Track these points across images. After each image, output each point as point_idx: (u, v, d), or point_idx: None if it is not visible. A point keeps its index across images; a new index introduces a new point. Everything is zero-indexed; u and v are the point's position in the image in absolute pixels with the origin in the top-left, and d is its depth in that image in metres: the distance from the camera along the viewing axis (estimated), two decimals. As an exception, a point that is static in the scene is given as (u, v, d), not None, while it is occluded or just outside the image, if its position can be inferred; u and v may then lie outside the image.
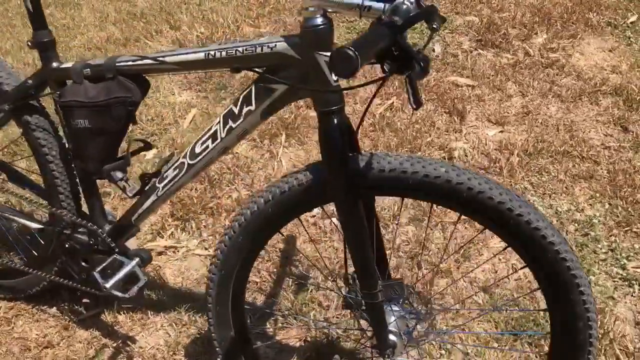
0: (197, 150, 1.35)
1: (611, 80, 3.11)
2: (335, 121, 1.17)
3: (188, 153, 1.37)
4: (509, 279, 1.96)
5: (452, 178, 1.16)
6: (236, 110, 1.27)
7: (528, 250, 1.19)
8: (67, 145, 1.48)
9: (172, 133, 2.64)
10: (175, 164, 1.40)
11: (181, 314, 1.81)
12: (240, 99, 1.26)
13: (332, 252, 2.08)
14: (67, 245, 1.58)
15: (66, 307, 1.85)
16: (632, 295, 1.93)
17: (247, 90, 1.25)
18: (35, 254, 1.78)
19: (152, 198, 1.46)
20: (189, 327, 1.79)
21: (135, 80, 1.35)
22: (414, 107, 0.92)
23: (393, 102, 2.91)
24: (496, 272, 2.01)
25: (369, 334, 1.38)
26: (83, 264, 1.58)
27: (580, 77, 3.17)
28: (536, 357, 1.72)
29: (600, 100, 2.99)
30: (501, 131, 2.76)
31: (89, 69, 1.37)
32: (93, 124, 1.38)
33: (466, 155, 2.58)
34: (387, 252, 1.43)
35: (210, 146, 1.33)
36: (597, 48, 3.41)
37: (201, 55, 1.24)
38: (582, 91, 3.07)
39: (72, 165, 1.58)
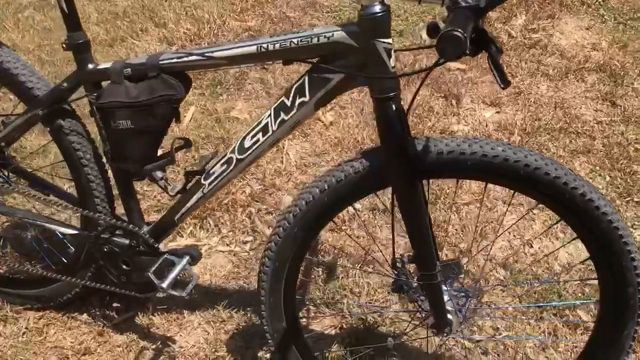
0: (247, 144, 1.35)
1: (593, 57, 3.21)
2: (394, 107, 1.19)
3: (236, 148, 1.36)
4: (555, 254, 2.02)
5: (509, 156, 1.20)
6: (288, 102, 1.28)
7: (583, 222, 1.23)
8: (105, 148, 1.45)
9: (175, 132, 2.61)
10: (222, 160, 1.39)
11: (219, 311, 1.81)
12: (293, 91, 1.27)
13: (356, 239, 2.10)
14: (105, 249, 1.56)
15: (97, 312, 1.82)
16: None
17: (300, 81, 1.25)
18: (65, 260, 1.75)
19: (198, 195, 1.45)
20: (227, 324, 1.79)
21: (178, 77, 1.34)
22: (502, 86, 0.95)
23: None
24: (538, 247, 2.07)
25: (424, 314, 1.40)
26: (124, 266, 1.56)
27: (563, 55, 3.26)
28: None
29: (586, 77, 3.09)
30: (497, 112, 2.82)
31: (129, 69, 1.35)
32: (136, 124, 1.36)
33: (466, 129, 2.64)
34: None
35: (261, 139, 1.33)
36: (575, 27, 3.50)
37: (253, 48, 1.24)
38: (567, 69, 3.16)
39: (105, 167, 1.55)
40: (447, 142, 1.22)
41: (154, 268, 1.43)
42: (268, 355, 1.71)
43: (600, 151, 2.61)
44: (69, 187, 2.10)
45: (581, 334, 1.75)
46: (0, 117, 1.68)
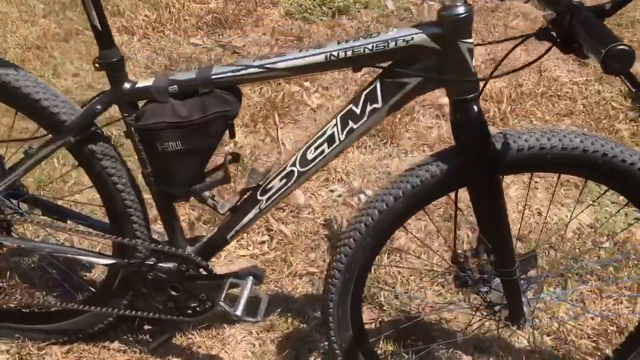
0: (310, 156, 1.28)
1: (555, 17, 3.27)
2: (475, 108, 1.15)
3: (297, 160, 1.29)
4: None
5: (588, 147, 1.19)
6: (358, 110, 1.21)
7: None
8: (145, 170, 1.34)
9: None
10: (282, 174, 1.31)
11: (268, 321, 1.74)
12: (363, 98, 1.20)
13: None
14: (150, 276, 1.45)
15: (130, 338, 1.71)
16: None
17: (371, 87, 1.19)
18: (93, 290, 1.63)
19: (254, 212, 1.37)
20: (270, 333, 1.73)
21: (231, 91, 1.25)
22: (634, 90, 0.92)
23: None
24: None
25: (498, 307, 1.40)
26: (172, 292, 1.46)
27: (526, 17, 3.32)
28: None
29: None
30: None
31: (175, 86, 1.24)
32: (187, 144, 1.26)
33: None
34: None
35: (327, 150, 1.26)
36: (532, -13, 3.55)
37: (320, 57, 1.16)
38: (533, 31, 3.21)
39: (139, 190, 1.44)
40: (526, 138, 1.20)
41: (222, 295, 1.35)
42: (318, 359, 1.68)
43: (582, 112, 2.69)
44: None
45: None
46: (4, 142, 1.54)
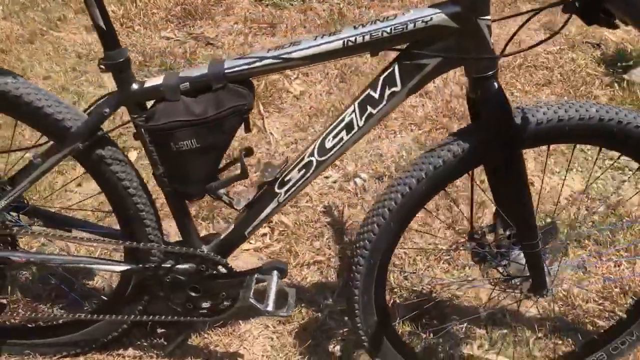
0: (328, 145, 1.26)
1: (521, -12, 3.31)
2: (495, 85, 1.16)
3: (315, 150, 1.27)
4: None
5: (603, 116, 1.21)
6: (376, 95, 1.20)
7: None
8: (157, 171, 1.30)
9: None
10: (300, 165, 1.29)
11: (274, 314, 1.73)
12: (380, 82, 1.19)
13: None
14: (167, 279, 1.42)
15: (144, 343, 1.67)
16: (628, 181, 2.19)
17: (389, 71, 1.18)
18: (104, 297, 1.59)
19: (272, 205, 1.35)
20: (286, 325, 1.72)
21: (245, 84, 1.22)
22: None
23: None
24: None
25: (519, 280, 1.42)
26: (192, 293, 1.43)
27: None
28: None
29: (522, 8, 3.19)
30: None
31: (187, 83, 1.20)
32: (202, 142, 1.23)
33: (444, 86, 2.65)
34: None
35: (345, 138, 1.25)
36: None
37: (338, 44, 1.14)
38: (504, 4, 3.26)
39: (149, 193, 1.40)
40: (544, 111, 1.21)
41: (251, 292, 1.32)
42: (338, 347, 1.67)
43: (560, 80, 2.74)
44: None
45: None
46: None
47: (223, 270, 1.42)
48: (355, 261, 1.35)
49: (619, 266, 1.92)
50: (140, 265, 1.42)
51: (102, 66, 1.20)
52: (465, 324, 1.75)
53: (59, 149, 1.27)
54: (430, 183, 1.26)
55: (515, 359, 1.65)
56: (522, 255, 1.39)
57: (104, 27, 1.16)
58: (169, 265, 1.41)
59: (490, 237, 1.44)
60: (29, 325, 1.64)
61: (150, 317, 1.51)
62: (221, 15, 3.13)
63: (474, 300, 1.80)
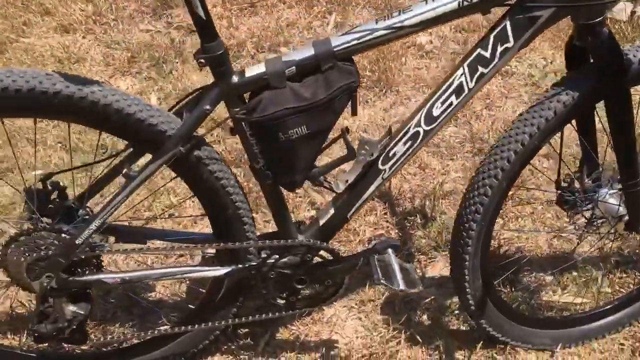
0: (436, 112, 1.23)
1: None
2: (607, 30, 1.15)
3: (422, 120, 1.24)
4: None
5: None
6: (487, 54, 1.18)
7: None
8: (257, 165, 1.23)
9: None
10: (406, 137, 1.26)
11: (353, 293, 1.70)
12: (492, 40, 1.17)
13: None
14: (272, 275, 1.36)
15: (232, 346, 1.60)
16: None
17: (500, 27, 1.16)
18: (192, 307, 1.50)
19: (376, 183, 1.31)
20: (369, 303, 1.69)
21: (350, 61, 1.16)
22: None
23: (335, 17, 2.85)
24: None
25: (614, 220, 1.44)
26: (298, 286, 1.38)
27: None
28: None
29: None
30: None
31: (293, 67, 1.13)
32: (312, 127, 1.17)
33: (432, 44, 2.66)
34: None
35: (455, 102, 1.22)
36: None
37: (453, 5, 1.11)
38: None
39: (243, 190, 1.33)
40: (644, 50, 1.22)
41: (379, 273, 1.28)
42: (426, 317, 1.67)
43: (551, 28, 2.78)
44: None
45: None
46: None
47: (329, 256, 1.37)
48: (466, 227, 1.33)
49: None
50: (241, 266, 1.35)
51: (201, 60, 1.11)
52: (533, 273, 1.78)
53: (157, 157, 1.17)
54: (542, 136, 1.25)
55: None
56: (611, 196, 1.42)
57: (203, 17, 1.07)
58: (272, 261, 1.35)
59: (576, 185, 1.46)
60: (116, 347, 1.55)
61: (247, 319, 1.45)
62: (196, 0, 2.98)
63: (561, 249, 1.83)
